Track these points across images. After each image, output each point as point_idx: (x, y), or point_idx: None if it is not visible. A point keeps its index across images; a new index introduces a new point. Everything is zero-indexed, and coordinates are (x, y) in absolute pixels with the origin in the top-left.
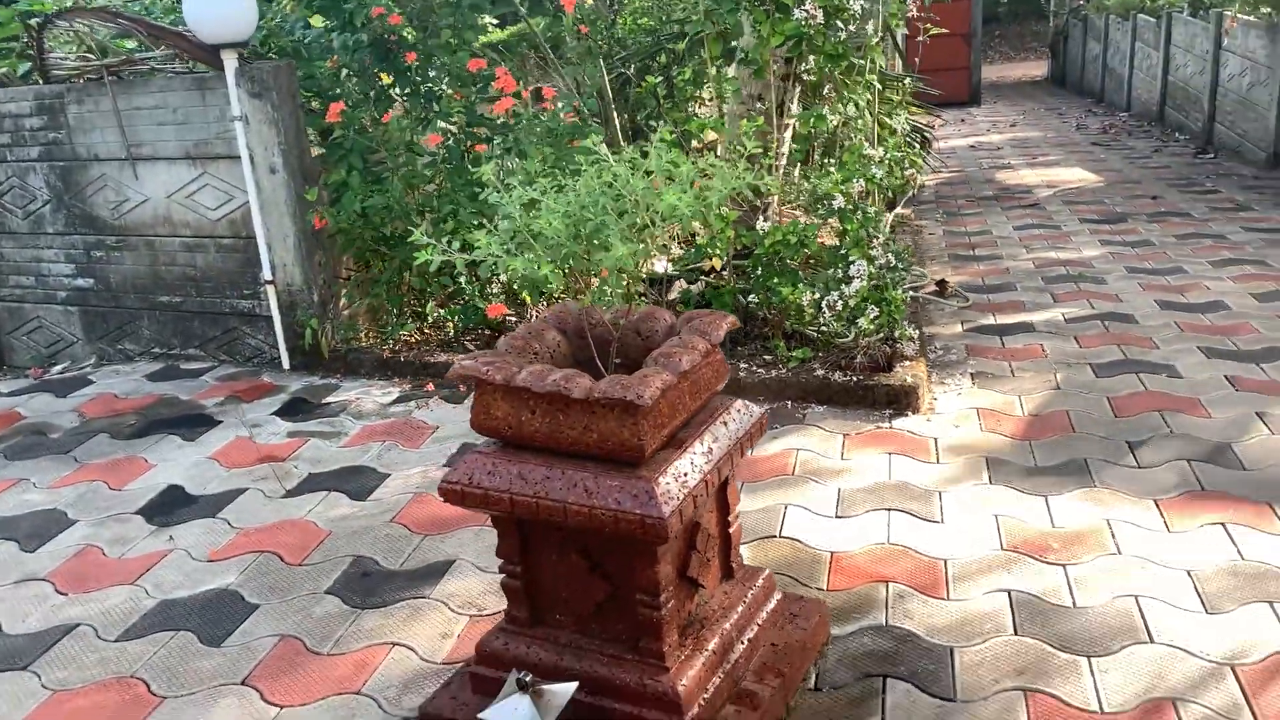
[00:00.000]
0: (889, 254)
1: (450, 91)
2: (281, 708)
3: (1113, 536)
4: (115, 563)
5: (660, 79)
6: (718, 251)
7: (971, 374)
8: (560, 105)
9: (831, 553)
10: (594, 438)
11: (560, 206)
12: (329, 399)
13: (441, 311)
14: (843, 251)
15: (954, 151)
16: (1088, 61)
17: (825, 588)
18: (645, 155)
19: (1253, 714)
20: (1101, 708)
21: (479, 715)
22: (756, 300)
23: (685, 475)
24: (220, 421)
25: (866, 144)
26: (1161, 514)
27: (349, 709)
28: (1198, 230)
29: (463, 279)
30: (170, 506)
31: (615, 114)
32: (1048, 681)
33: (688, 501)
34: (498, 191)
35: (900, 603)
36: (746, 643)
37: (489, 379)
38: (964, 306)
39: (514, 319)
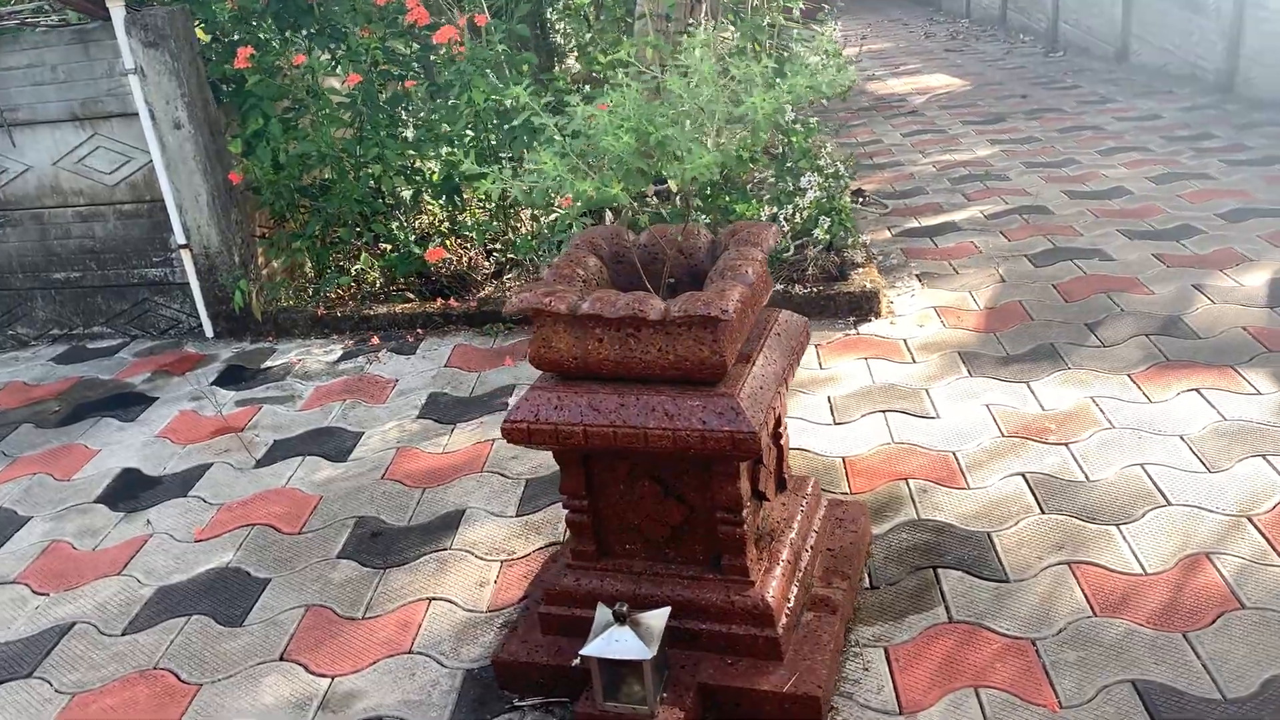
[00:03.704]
0: (836, 163)
1: (357, 29)
2: (333, 678)
3: (1102, 412)
4: (91, 555)
5: (588, 1)
6: (673, 175)
7: (917, 275)
8: (498, 35)
9: (843, 458)
10: (670, 359)
11: (624, 122)
12: (268, 363)
13: (376, 261)
14: (789, 165)
15: None
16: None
17: (850, 491)
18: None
19: (1278, 553)
20: (1144, 570)
21: (581, 652)
22: (709, 221)
23: (761, 388)
24: (155, 398)
25: (808, 54)
26: (1139, 387)
27: (407, 669)
28: (1075, 124)
29: (395, 225)
30: (132, 490)
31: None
32: (1087, 552)
33: (768, 413)
34: (537, 114)
35: (925, 496)
36: (810, 550)
37: (552, 310)
38: (884, 213)
39: (453, 261)
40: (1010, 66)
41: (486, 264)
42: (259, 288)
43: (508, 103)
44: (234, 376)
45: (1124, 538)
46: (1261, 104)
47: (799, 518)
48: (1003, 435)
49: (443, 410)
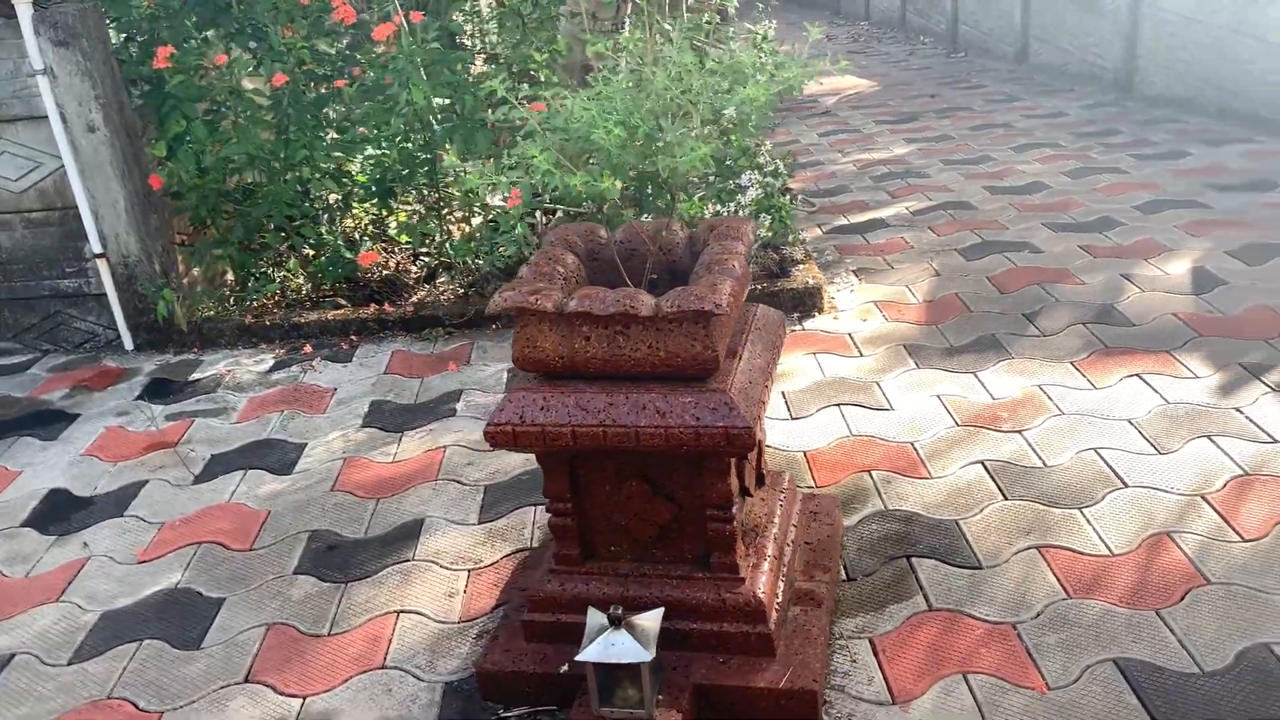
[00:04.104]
0: (775, 160)
1: (279, 28)
2: (304, 698)
3: (1050, 400)
4: (24, 582)
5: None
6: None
7: (854, 271)
8: (432, 32)
9: (804, 452)
10: (661, 355)
11: (612, 115)
12: (196, 375)
13: (305, 267)
14: (728, 162)
15: None
16: None
17: (815, 484)
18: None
19: (1236, 533)
20: (1111, 551)
21: (577, 657)
22: (650, 218)
23: (750, 383)
24: (77, 415)
25: (742, 54)
26: (1082, 374)
27: (383, 685)
28: (985, 122)
29: (323, 229)
30: (63, 512)
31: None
32: (1055, 536)
33: (760, 407)
34: (513, 107)
35: (889, 487)
36: (791, 544)
37: (538, 308)
38: (812, 211)
39: (381, 266)
40: (915, 67)
41: (413, 268)
42: (182, 296)
43: (440, 101)
44: (160, 390)
45: (1087, 520)
46: (1159, 102)
47: (779, 512)
48: (957, 424)
49: (387, 418)
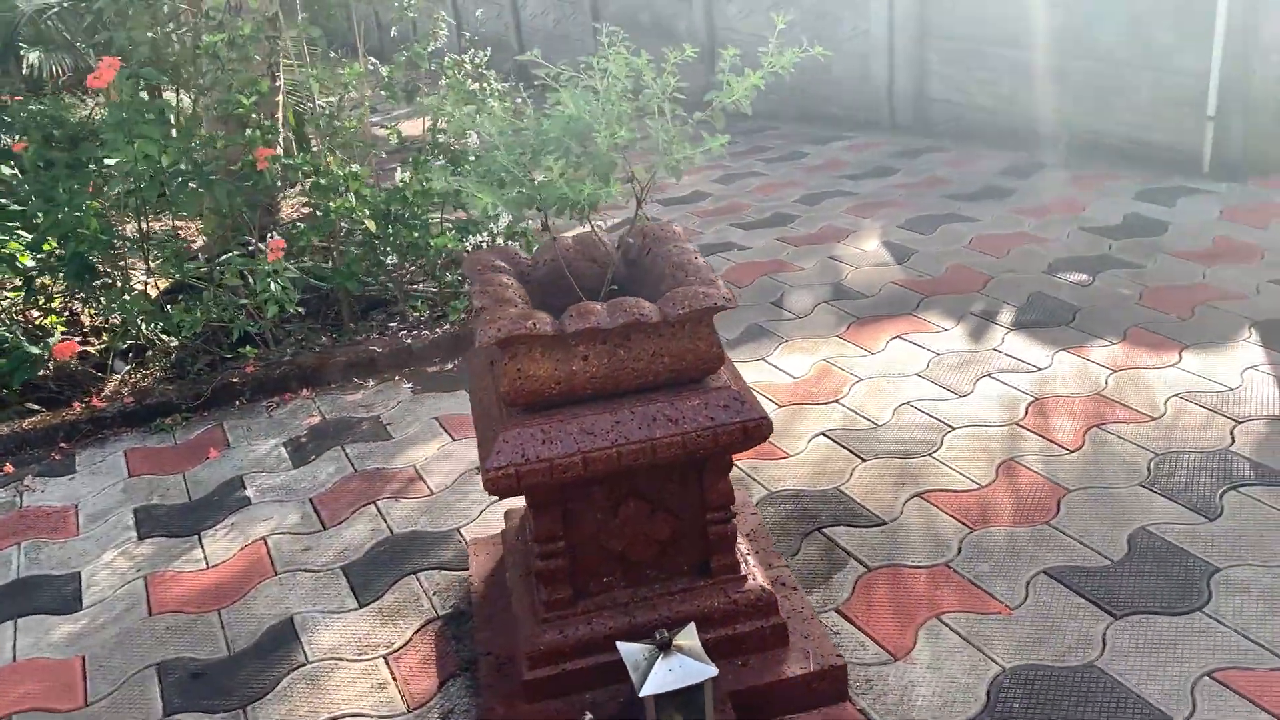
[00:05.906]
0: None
1: None
2: None
3: (842, 369)
4: None
5: (221, 38)
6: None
7: None
8: (126, 79)
9: None
10: (666, 361)
11: (599, 120)
12: None
13: None
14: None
15: None
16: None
17: None
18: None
19: (1061, 447)
20: (979, 484)
21: (642, 693)
22: (396, 260)
23: (736, 375)
24: None
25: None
26: (853, 344)
27: None
28: None
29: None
30: None
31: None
32: (927, 482)
33: (753, 396)
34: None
35: (759, 472)
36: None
37: (537, 333)
38: None
39: (89, 355)
40: None
41: (73, 359)
42: None
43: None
44: None
45: (942, 463)
46: (741, 115)
47: None
48: (780, 405)
49: (168, 523)
